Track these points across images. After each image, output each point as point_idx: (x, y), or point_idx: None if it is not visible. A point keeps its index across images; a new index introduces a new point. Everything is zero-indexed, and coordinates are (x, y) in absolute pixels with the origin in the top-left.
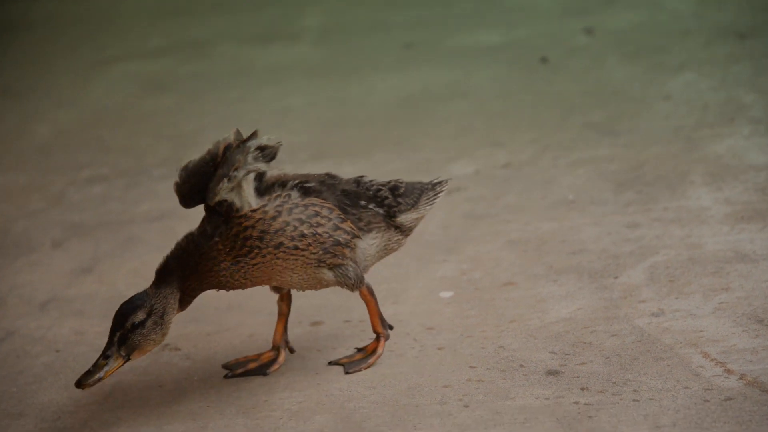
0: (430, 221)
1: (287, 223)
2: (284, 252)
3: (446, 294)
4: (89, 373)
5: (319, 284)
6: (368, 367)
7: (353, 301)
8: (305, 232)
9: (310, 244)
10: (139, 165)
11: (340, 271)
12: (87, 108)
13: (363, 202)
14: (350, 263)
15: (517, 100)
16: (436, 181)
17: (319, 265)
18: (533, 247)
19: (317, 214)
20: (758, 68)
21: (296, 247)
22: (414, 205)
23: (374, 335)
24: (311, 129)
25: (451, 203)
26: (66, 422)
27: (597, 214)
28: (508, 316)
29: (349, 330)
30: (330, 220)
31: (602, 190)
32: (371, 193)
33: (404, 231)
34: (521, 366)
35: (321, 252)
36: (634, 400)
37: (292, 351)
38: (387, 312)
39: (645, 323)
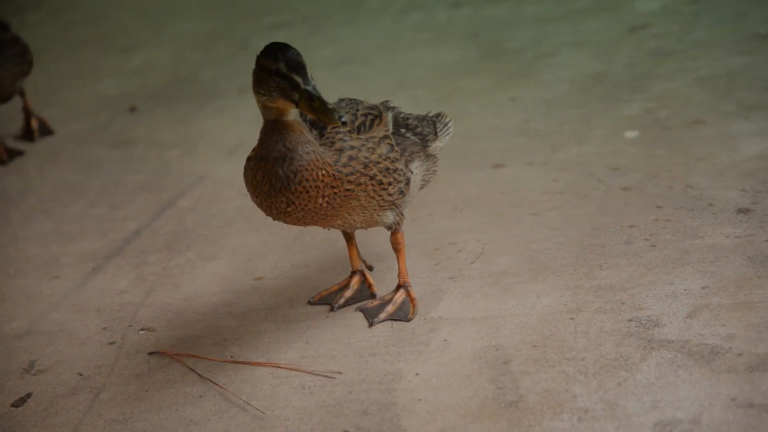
0: (613, 60)
1: (381, 156)
2: (373, 186)
3: (631, 133)
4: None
5: (370, 225)
6: (387, 316)
7: (537, 143)
8: (389, 167)
9: (390, 183)
10: (321, 10)
11: (399, 210)
12: None
13: (402, 130)
14: (404, 202)
15: None
16: (433, 114)
17: (389, 207)
18: (723, 83)
19: (392, 149)
20: None
21: (381, 182)
22: (436, 134)
23: (400, 285)
24: None
25: (636, 41)
26: (256, 264)
27: None
28: (696, 154)
29: (531, 172)
30: (401, 155)
31: None
32: (402, 120)
33: (435, 161)
34: (710, 205)
35: (396, 192)
36: None
37: (371, 269)
38: (571, 152)
39: None
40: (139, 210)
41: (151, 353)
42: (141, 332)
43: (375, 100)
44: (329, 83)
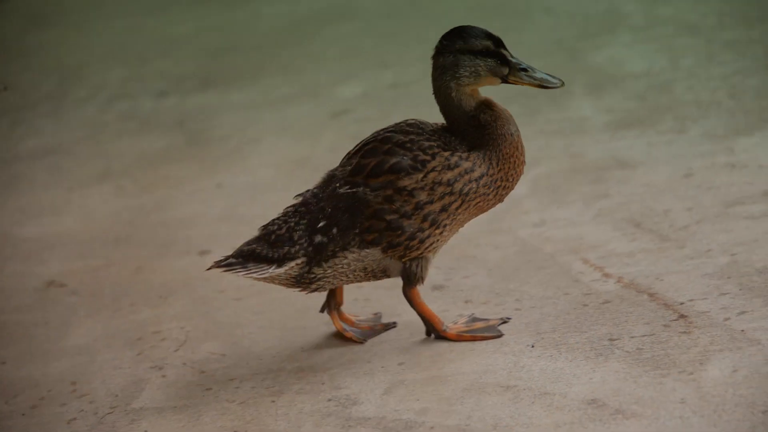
0: (316, 144)
1: None
2: None
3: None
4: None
5: None
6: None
7: (243, 228)
8: None
9: None
10: (24, 101)
11: None
12: None
13: None
14: None
15: (404, 20)
16: None
17: None
18: None
19: None
20: None
21: None
22: None
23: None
24: (198, 57)
25: (338, 125)
26: None
27: None
28: None
29: None
30: None
31: None
32: None
33: None
34: None
35: None
36: (516, 309)
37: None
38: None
39: (527, 234)
40: None
41: None
42: None
43: (78, 192)
44: (31, 176)
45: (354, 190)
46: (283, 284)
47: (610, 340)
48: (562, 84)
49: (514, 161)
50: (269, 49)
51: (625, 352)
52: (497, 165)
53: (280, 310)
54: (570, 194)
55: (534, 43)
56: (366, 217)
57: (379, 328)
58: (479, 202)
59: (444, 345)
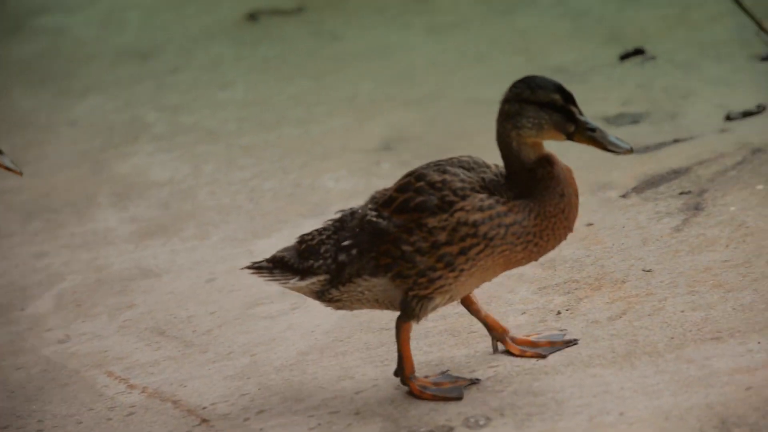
0: None
1: None
2: None
3: None
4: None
5: None
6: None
7: None
8: None
9: None
10: None
11: None
12: None
13: None
14: None
15: None
16: None
17: None
18: None
19: None
20: (160, 87)
21: None
22: None
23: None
24: None
25: None
26: None
27: (4, 247)
28: None
29: None
30: None
31: (9, 222)
32: None
33: None
34: None
35: None
36: (37, 431)
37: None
38: None
39: (51, 351)
40: None
41: None
42: None
43: None
44: None
45: (378, 220)
46: (308, 296)
47: None
48: (631, 150)
49: (555, 222)
50: None
51: None
52: (535, 218)
53: None
54: (95, 307)
55: (58, 155)
56: (384, 242)
57: (560, 344)
58: (505, 250)
59: None
